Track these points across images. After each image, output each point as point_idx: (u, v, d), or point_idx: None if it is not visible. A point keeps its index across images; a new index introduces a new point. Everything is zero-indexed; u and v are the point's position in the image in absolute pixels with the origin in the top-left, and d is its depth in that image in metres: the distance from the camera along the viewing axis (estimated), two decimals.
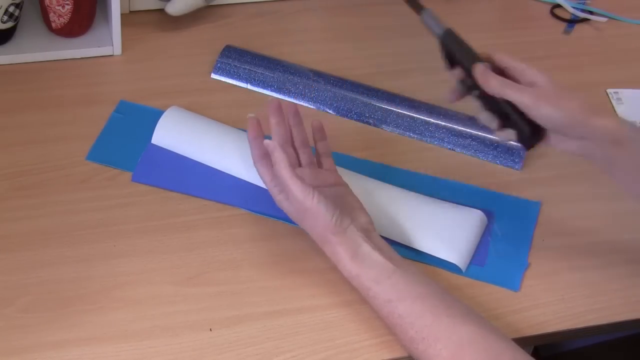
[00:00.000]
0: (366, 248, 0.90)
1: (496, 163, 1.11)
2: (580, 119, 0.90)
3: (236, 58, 1.18)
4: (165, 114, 1.07)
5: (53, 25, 1.16)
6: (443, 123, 1.13)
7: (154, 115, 1.09)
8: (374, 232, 0.94)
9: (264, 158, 0.96)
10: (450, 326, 0.84)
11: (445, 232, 1.00)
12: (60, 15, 1.15)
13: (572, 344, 1.21)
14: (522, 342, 0.95)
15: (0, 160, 1.03)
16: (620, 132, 0.89)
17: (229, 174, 1.04)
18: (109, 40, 1.18)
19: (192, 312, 0.92)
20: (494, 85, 0.92)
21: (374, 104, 1.15)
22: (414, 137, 1.13)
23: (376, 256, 0.90)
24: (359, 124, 1.14)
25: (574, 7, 1.35)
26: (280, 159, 0.92)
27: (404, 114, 1.14)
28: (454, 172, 1.09)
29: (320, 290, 0.94)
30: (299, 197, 0.91)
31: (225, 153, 1.05)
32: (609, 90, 1.23)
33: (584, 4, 1.37)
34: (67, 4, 1.14)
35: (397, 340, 0.89)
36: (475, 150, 1.11)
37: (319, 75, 1.17)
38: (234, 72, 1.17)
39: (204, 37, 1.23)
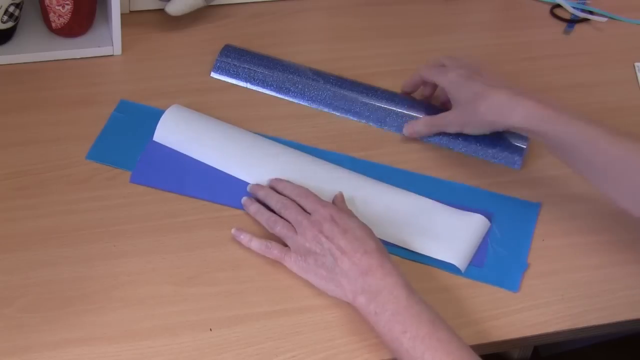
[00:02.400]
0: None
1: (495, 162, 1.11)
2: (493, 127, 1.04)
3: (236, 57, 1.18)
4: (167, 112, 1.07)
5: (53, 25, 1.16)
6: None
7: (155, 115, 1.09)
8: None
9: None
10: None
11: (446, 234, 1.00)
12: (60, 15, 1.15)
13: (572, 344, 1.21)
14: (522, 342, 0.95)
15: (0, 160, 1.03)
16: (531, 126, 0.98)
17: (229, 174, 1.04)
18: (109, 40, 1.18)
19: (192, 312, 0.92)
20: (423, 132, 1.10)
21: (374, 103, 1.15)
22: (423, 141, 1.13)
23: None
24: (359, 124, 1.14)
25: (574, 7, 1.35)
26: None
27: (404, 113, 1.14)
28: (454, 173, 1.09)
29: (320, 290, 0.94)
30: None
31: (226, 153, 1.05)
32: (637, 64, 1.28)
33: (584, 4, 1.37)
34: (67, 4, 1.14)
35: None
36: (475, 150, 1.11)
37: (318, 75, 1.17)
38: (234, 71, 1.17)
39: (204, 37, 1.23)
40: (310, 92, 1.16)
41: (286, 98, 1.16)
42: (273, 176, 1.03)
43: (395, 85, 1.18)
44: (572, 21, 1.35)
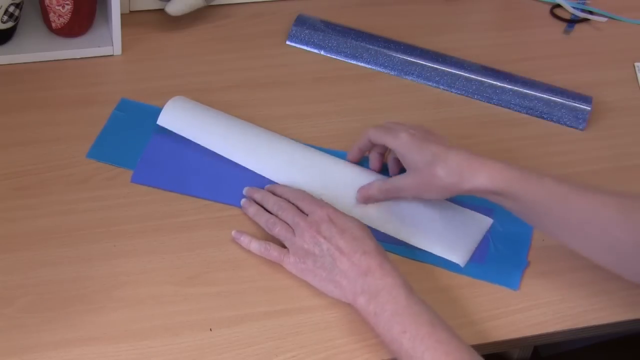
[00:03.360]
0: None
1: (561, 124, 1.16)
2: (454, 191, 0.94)
3: (310, 26, 1.24)
4: (172, 99, 1.08)
5: (53, 25, 1.16)
6: (509, 86, 1.19)
7: (155, 114, 1.09)
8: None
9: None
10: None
11: (447, 230, 1.00)
12: (60, 15, 1.15)
13: (572, 344, 1.21)
14: (522, 342, 0.95)
15: (0, 160, 1.03)
16: (497, 187, 0.91)
17: (234, 161, 1.04)
18: (109, 40, 1.18)
19: (192, 312, 0.92)
20: (376, 196, 1.01)
21: (442, 68, 1.21)
22: (482, 101, 1.19)
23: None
24: (357, 124, 1.14)
25: (574, 7, 1.35)
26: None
27: (473, 77, 1.20)
28: None
29: (320, 291, 0.94)
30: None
31: (232, 139, 1.05)
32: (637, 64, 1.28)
33: (584, 4, 1.37)
34: (67, 4, 1.14)
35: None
36: (540, 112, 1.17)
37: (390, 42, 1.24)
38: (308, 39, 1.23)
39: (204, 37, 1.23)
40: (382, 59, 1.22)
41: (359, 64, 1.22)
42: (279, 163, 1.04)
43: (398, 84, 1.19)
44: (572, 21, 1.35)
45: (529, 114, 1.18)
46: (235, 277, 0.95)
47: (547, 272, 1.00)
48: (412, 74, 1.21)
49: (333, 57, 1.23)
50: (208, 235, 0.99)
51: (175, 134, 1.08)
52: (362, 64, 1.22)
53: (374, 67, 1.22)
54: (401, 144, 0.97)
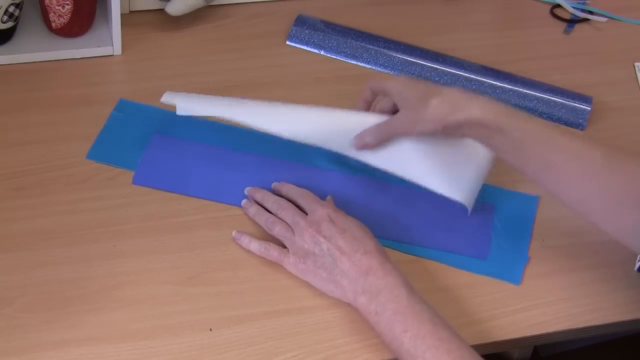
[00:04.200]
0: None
1: (561, 124, 1.17)
2: (445, 122, 0.93)
3: (310, 26, 1.24)
4: (166, 93, 1.06)
5: (53, 25, 1.16)
6: (509, 86, 1.20)
7: (154, 114, 1.09)
8: None
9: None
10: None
11: (451, 169, 1.00)
12: (60, 15, 1.15)
13: (572, 344, 1.21)
14: (522, 342, 0.95)
15: (0, 160, 1.03)
16: (488, 119, 0.92)
17: (259, 127, 1.03)
18: (109, 40, 1.18)
19: (192, 312, 0.92)
20: (373, 142, 0.99)
21: (443, 69, 1.21)
22: None
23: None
24: None
25: (574, 7, 1.35)
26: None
27: (473, 77, 1.20)
28: None
29: (321, 291, 0.94)
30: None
31: (252, 107, 1.05)
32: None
33: (584, 4, 1.37)
34: (67, 4, 1.14)
35: None
36: (540, 112, 1.18)
37: (389, 42, 1.24)
38: (308, 39, 1.23)
39: (204, 37, 1.23)
40: (382, 59, 1.22)
41: (359, 64, 1.22)
42: (294, 120, 1.03)
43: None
44: (572, 21, 1.35)
45: (529, 112, 1.18)
46: (235, 277, 0.95)
47: (547, 272, 1.00)
48: (412, 74, 1.21)
49: (333, 57, 1.23)
50: (208, 235, 0.99)
51: (175, 134, 1.08)
52: (362, 64, 1.22)
53: (374, 67, 1.22)
54: (397, 83, 0.98)
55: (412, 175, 1.00)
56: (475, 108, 0.92)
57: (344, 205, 1.01)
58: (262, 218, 0.98)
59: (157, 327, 0.90)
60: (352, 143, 1.00)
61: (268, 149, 1.08)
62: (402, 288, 0.88)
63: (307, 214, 0.96)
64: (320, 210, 0.95)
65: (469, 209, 0.99)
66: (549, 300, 0.97)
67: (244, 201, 1.01)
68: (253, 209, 1.00)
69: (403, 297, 0.87)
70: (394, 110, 1.00)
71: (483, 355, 0.85)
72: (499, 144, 0.93)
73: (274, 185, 1.02)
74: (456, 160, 1.00)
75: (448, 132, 0.95)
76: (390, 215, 1.02)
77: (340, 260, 0.91)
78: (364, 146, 1.00)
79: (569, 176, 0.90)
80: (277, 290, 0.94)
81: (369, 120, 1.00)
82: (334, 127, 1.02)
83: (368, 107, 1.05)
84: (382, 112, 1.01)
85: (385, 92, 1.00)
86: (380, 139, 0.99)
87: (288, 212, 0.97)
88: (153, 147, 1.06)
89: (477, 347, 0.86)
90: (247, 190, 1.02)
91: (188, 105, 1.05)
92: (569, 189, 0.91)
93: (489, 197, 1.06)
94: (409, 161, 0.99)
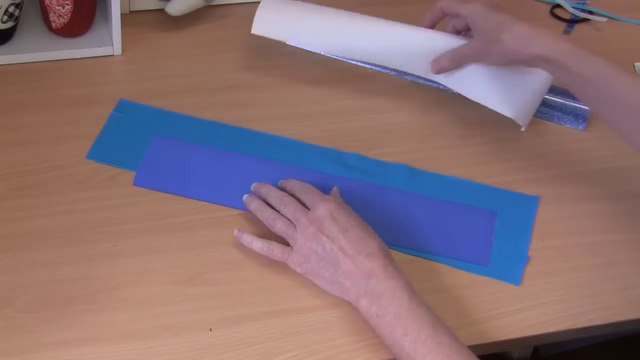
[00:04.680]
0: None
1: (561, 124, 1.17)
2: (514, 58, 1.03)
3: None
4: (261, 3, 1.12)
5: (53, 25, 1.16)
6: None
7: (154, 114, 1.09)
8: None
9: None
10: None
11: (509, 88, 1.09)
12: (60, 15, 1.15)
13: (572, 344, 1.21)
14: (522, 342, 0.95)
15: (0, 160, 1.03)
16: (556, 57, 1.00)
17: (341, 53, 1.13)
18: (109, 40, 1.18)
19: (192, 312, 0.92)
20: (448, 66, 1.10)
21: None
22: None
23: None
24: (359, 123, 1.14)
25: (574, 7, 1.35)
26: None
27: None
28: (455, 171, 1.09)
29: (320, 290, 0.94)
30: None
31: (332, 30, 1.13)
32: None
33: (584, 4, 1.37)
34: (67, 4, 1.14)
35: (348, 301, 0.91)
36: (540, 112, 1.17)
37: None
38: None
39: (204, 37, 1.23)
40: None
41: (359, 64, 1.20)
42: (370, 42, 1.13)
43: (399, 84, 1.19)
44: (572, 21, 1.35)
45: None
46: (235, 277, 0.95)
47: (547, 272, 1.00)
48: (412, 74, 1.21)
49: (333, 57, 1.22)
50: (208, 235, 0.99)
51: (175, 135, 1.08)
52: (362, 64, 1.22)
53: (374, 67, 1.22)
54: (472, 10, 1.06)
55: (470, 92, 1.10)
56: (541, 45, 1.00)
57: None
58: (264, 214, 0.98)
59: (157, 327, 0.90)
60: (429, 67, 1.11)
61: (269, 151, 1.08)
62: (404, 291, 0.88)
63: (309, 209, 0.96)
64: (322, 207, 0.94)
65: (523, 127, 1.09)
66: (549, 300, 0.97)
67: (245, 196, 1.01)
68: (255, 204, 0.99)
69: (404, 301, 0.87)
70: (466, 30, 1.11)
71: (483, 356, 0.85)
72: (561, 78, 1.01)
73: (281, 182, 1.02)
74: (514, 81, 1.08)
75: (516, 64, 1.06)
76: (390, 220, 1.02)
77: (343, 262, 0.91)
78: (440, 69, 1.11)
79: (623, 110, 0.97)
80: (277, 290, 0.94)
81: (444, 42, 1.10)
82: (414, 50, 1.11)
83: (433, 26, 1.14)
84: (455, 31, 1.12)
85: (459, 16, 1.09)
86: (455, 64, 1.10)
87: (290, 208, 0.96)
88: (154, 149, 1.06)
89: (477, 347, 0.87)
90: (253, 186, 1.02)
91: (267, 23, 1.12)
92: (623, 122, 0.98)
93: (489, 197, 1.06)
94: (470, 79, 1.09)
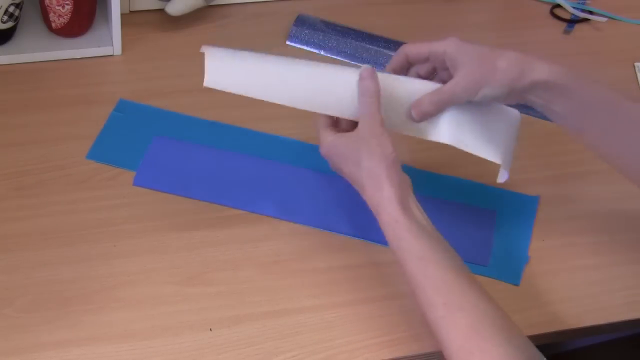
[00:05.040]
0: (413, 201, 0.88)
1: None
2: (513, 85, 0.91)
3: (310, 26, 1.24)
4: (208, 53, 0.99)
5: (53, 25, 1.16)
6: None
7: (154, 114, 1.09)
8: (413, 194, 0.90)
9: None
10: (474, 299, 0.83)
11: (483, 129, 0.96)
12: (60, 15, 1.15)
13: (572, 344, 1.21)
14: None
15: (0, 160, 1.03)
16: (556, 80, 0.91)
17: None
18: (109, 40, 1.18)
19: (192, 312, 0.92)
20: (430, 111, 0.93)
21: None
22: None
23: (420, 213, 0.88)
24: None
25: (574, 7, 1.35)
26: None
27: None
28: (455, 172, 1.09)
29: (320, 290, 0.94)
30: (369, 118, 0.89)
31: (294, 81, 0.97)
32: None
33: (584, 4, 1.37)
34: (67, 4, 1.14)
35: (412, 299, 0.86)
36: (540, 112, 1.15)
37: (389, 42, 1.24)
38: (308, 39, 1.23)
39: (204, 37, 1.23)
40: (382, 59, 1.22)
41: (359, 64, 1.19)
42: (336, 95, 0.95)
43: None
44: (572, 21, 1.35)
45: (529, 114, 1.18)
46: (235, 277, 0.95)
47: (547, 272, 1.00)
48: None
49: (333, 57, 1.23)
50: (208, 235, 0.99)
51: (175, 135, 1.08)
52: (362, 64, 1.22)
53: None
54: (450, 44, 0.92)
55: (448, 138, 0.94)
56: (543, 69, 0.91)
57: (345, 210, 1.01)
58: None
59: (157, 327, 0.90)
60: (410, 114, 0.94)
61: (269, 152, 1.08)
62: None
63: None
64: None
65: (507, 171, 0.94)
66: (549, 300, 0.97)
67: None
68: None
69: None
70: (431, 74, 0.96)
71: None
72: (562, 106, 0.92)
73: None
74: (489, 122, 0.96)
75: (512, 96, 0.93)
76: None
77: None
78: (423, 115, 0.94)
79: (630, 142, 0.91)
80: (277, 290, 0.94)
81: (416, 87, 0.95)
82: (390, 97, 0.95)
83: (400, 73, 0.98)
84: (417, 77, 0.97)
85: (433, 55, 0.94)
86: (440, 107, 0.93)
87: None
88: (154, 149, 1.06)
89: None
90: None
91: (219, 74, 0.99)
92: (628, 155, 0.92)
93: (489, 198, 1.06)
94: (444, 125, 0.94)
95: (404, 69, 0.98)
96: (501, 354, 0.79)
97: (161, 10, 1.23)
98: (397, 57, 0.97)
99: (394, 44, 1.23)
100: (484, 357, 0.79)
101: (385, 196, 0.87)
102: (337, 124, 0.96)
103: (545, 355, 0.81)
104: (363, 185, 0.89)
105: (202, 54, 1.21)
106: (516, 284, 0.98)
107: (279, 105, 1.15)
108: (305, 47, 1.23)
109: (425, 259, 0.85)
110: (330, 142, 0.92)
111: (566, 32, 1.33)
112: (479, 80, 0.91)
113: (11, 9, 1.12)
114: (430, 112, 0.93)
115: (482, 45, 0.93)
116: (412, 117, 0.94)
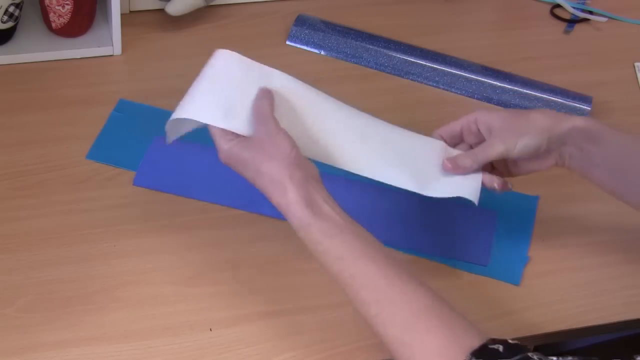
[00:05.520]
0: (321, 197, 0.84)
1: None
2: (551, 133, 0.92)
3: (310, 26, 1.24)
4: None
5: (53, 25, 1.16)
6: (509, 86, 1.20)
7: (154, 114, 1.09)
8: (322, 185, 0.87)
9: None
10: (404, 292, 0.80)
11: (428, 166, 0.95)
12: (60, 15, 1.15)
13: (572, 344, 1.21)
14: (522, 342, 0.95)
15: (0, 160, 1.03)
16: (593, 127, 0.92)
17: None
18: (109, 40, 1.18)
19: (192, 312, 0.92)
20: (469, 166, 0.94)
21: (443, 68, 1.21)
22: (482, 101, 1.19)
23: (330, 208, 0.83)
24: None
25: (574, 7, 1.35)
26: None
27: (472, 78, 1.20)
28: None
29: (320, 290, 0.94)
30: (262, 121, 0.86)
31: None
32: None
33: (583, 4, 1.37)
34: (67, 4, 1.14)
35: (349, 301, 0.84)
36: (543, 104, 1.18)
37: (390, 43, 1.24)
38: (308, 39, 1.24)
39: (204, 37, 1.23)
40: (382, 59, 1.23)
41: (359, 64, 1.22)
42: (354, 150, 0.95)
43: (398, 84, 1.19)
44: (572, 21, 1.35)
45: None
46: (235, 277, 0.95)
47: (547, 272, 1.00)
48: (412, 74, 1.21)
49: (333, 57, 1.23)
50: (208, 235, 0.99)
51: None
52: (362, 64, 1.22)
53: (374, 67, 1.22)
54: (482, 112, 0.95)
55: (417, 187, 0.95)
56: (578, 118, 0.93)
57: (344, 210, 1.01)
58: None
59: (157, 327, 0.90)
60: (444, 166, 0.95)
61: None
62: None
63: None
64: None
65: (476, 202, 0.94)
66: (549, 300, 0.97)
67: None
68: None
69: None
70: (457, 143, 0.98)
71: None
72: (599, 157, 0.93)
73: None
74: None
75: (552, 145, 0.93)
76: (391, 220, 1.02)
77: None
78: (461, 169, 0.94)
79: None
80: (277, 290, 0.94)
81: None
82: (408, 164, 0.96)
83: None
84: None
85: (466, 128, 0.96)
86: (478, 163, 0.95)
87: None
88: (154, 149, 1.06)
89: None
90: None
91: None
92: None
93: (489, 198, 1.06)
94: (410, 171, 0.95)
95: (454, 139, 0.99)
96: (440, 346, 0.76)
97: (161, 10, 1.23)
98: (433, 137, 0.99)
99: (394, 44, 1.23)
100: (425, 348, 0.77)
101: (290, 200, 0.83)
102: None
103: (546, 355, 0.81)
104: (267, 192, 0.86)
105: (202, 54, 1.21)
106: (516, 284, 0.98)
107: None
108: (305, 47, 1.23)
109: (344, 259, 0.82)
110: (227, 151, 0.88)
111: (566, 32, 1.33)
112: (516, 131, 0.93)
113: (11, 9, 1.12)
114: (469, 166, 0.94)
115: (510, 109, 0.97)
116: (445, 168, 0.95)
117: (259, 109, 0.88)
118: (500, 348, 0.76)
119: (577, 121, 0.93)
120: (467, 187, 0.94)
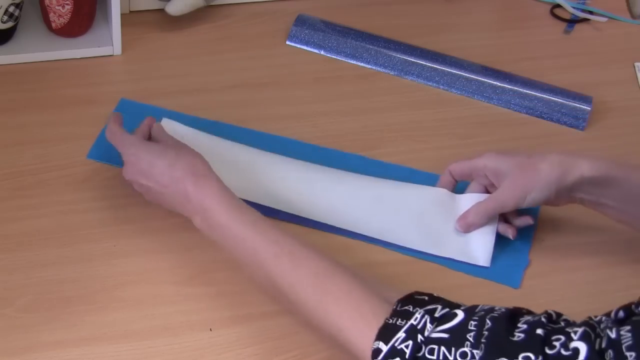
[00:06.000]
0: (218, 184, 0.89)
1: (561, 124, 1.17)
2: (559, 185, 0.94)
3: (310, 26, 1.24)
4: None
5: (53, 25, 1.16)
6: (509, 86, 1.20)
7: (154, 114, 1.09)
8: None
9: None
10: (335, 278, 0.83)
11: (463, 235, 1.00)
12: (60, 15, 1.15)
13: None
14: None
15: (0, 160, 1.03)
16: (600, 173, 0.92)
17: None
18: (109, 40, 1.18)
19: (192, 312, 0.92)
20: (477, 222, 0.99)
21: (443, 68, 1.21)
22: (482, 101, 1.19)
23: (228, 197, 0.88)
24: (359, 123, 1.14)
25: (574, 7, 1.35)
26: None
27: (473, 78, 1.20)
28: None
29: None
30: (126, 143, 0.93)
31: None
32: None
33: (584, 4, 1.37)
34: (67, 4, 1.14)
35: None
36: (540, 112, 1.17)
37: (390, 42, 1.24)
38: (308, 39, 1.23)
39: (204, 37, 1.23)
40: (382, 59, 1.22)
41: (359, 64, 1.22)
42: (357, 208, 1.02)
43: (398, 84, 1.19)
44: (572, 21, 1.35)
45: (529, 114, 1.19)
46: (235, 277, 0.95)
47: (547, 272, 1.00)
48: (412, 74, 1.21)
49: (333, 57, 1.23)
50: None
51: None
52: (362, 64, 1.22)
53: (374, 67, 1.22)
54: (490, 157, 0.98)
55: (427, 248, 1.00)
56: (585, 165, 0.93)
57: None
58: None
59: (157, 327, 0.90)
60: (456, 225, 1.00)
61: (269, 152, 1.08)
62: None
63: None
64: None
65: (488, 264, 0.99)
66: (549, 300, 0.97)
67: None
68: None
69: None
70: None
71: None
72: (609, 198, 0.94)
73: None
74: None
75: (560, 196, 0.95)
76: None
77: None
78: (469, 227, 0.99)
79: None
80: None
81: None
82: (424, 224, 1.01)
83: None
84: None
85: (474, 171, 1.00)
86: (487, 217, 0.99)
87: None
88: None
89: None
90: None
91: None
92: None
93: None
94: (422, 235, 1.00)
95: (453, 185, 1.03)
96: (386, 324, 0.77)
97: (161, 10, 1.23)
98: (444, 176, 1.03)
99: (394, 44, 1.23)
100: (370, 332, 0.77)
101: (210, 203, 0.88)
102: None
103: None
104: (176, 209, 0.92)
105: (202, 54, 1.21)
106: (515, 287, 0.98)
107: (279, 105, 1.16)
108: (305, 47, 1.23)
109: (264, 262, 0.85)
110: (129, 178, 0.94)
111: (566, 32, 1.33)
112: (524, 186, 0.95)
113: (11, 9, 1.12)
114: (477, 222, 0.99)
115: (520, 153, 0.96)
116: (457, 228, 1.00)
117: (109, 126, 0.97)
118: (426, 298, 0.79)
119: (585, 169, 0.93)
120: (479, 247, 0.99)
